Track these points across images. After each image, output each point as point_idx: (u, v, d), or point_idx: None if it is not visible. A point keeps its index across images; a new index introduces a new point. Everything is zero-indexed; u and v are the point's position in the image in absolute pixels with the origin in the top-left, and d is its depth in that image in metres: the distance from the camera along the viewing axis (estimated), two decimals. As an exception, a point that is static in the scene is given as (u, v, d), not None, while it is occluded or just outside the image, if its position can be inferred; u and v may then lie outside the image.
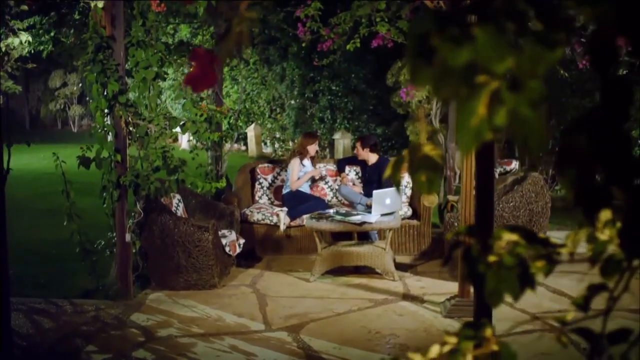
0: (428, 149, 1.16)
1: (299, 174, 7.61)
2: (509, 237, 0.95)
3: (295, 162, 7.61)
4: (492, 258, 0.96)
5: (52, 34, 11.04)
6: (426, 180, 1.15)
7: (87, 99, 24.35)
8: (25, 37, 5.03)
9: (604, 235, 0.99)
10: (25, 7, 5.09)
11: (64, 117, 27.03)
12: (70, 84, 25.56)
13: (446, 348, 0.98)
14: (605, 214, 1.01)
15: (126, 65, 5.96)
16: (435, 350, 1.01)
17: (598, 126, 0.76)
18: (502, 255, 0.94)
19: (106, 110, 5.80)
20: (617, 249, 0.97)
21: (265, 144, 17.35)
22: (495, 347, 0.94)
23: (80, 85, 25.56)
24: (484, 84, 0.73)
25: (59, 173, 5.95)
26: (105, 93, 5.67)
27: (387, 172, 1.24)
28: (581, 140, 0.76)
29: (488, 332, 0.93)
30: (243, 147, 18.22)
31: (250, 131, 16.95)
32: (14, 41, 5.04)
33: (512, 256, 0.93)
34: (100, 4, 5.07)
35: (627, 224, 0.77)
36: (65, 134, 24.67)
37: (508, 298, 1.00)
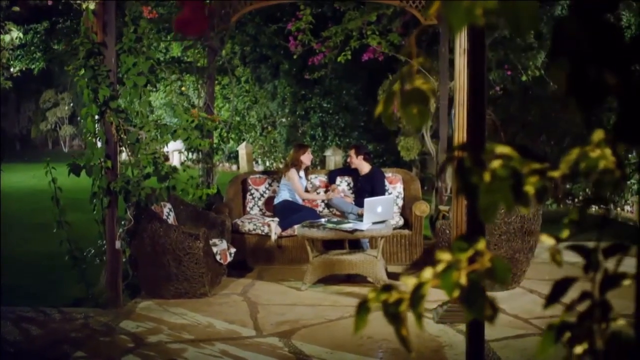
0: (419, 82, 1.15)
1: (302, 182, 7.72)
2: (502, 150, 0.94)
3: (294, 173, 7.62)
4: (486, 177, 0.95)
5: (43, 50, 11.06)
6: (417, 113, 1.14)
7: (78, 118, 24.31)
8: (16, 34, 5.02)
9: (595, 153, 0.98)
10: (16, 8, 5.08)
11: (54, 137, 26.95)
12: (61, 103, 25.52)
13: (440, 267, 0.96)
14: (598, 134, 1.01)
15: (118, 73, 5.96)
16: (428, 272, 1.00)
17: (590, 12, 0.76)
18: (495, 169, 0.93)
19: (97, 117, 5.79)
20: (611, 165, 0.97)
21: (257, 162, 17.33)
22: (488, 263, 0.93)
23: (72, 104, 25.52)
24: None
25: (49, 190, 5.89)
26: (96, 99, 5.66)
27: (379, 109, 1.23)
28: (573, 26, 0.76)
29: (482, 244, 0.92)
30: (234, 167, 18.19)
31: (242, 149, 16.93)
32: (4, 38, 5.04)
33: (505, 168, 0.92)
34: (92, 5, 5.07)
35: (622, 110, 0.77)
36: (56, 154, 24.57)
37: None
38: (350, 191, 8.00)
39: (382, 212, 6.70)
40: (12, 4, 4.92)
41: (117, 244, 5.95)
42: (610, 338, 0.92)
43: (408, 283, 1.00)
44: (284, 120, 15.96)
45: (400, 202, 7.87)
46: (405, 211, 7.72)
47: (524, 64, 10.00)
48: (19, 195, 13.72)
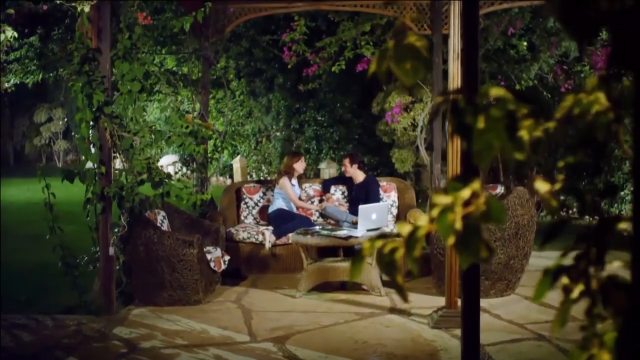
0: (413, 38, 1.16)
1: (295, 190, 7.72)
2: (496, 92, 0.95)
3: (286, 181, 7.62)
4: (480, 119, 0.95)
5: (38, 59, 11.05)
6: (411, 68, 1.14)
7: (72, 133, 24.26)
8: (10, 32, 5.02)
9: (588, 98, 0.99)
10: (11, 11, 5.08)
11: (48, 152, 26.90)
12: (55, 118, 25.49)
13: (436, 210, 0.96)
14: (592, 80, 1.01)
15: (112, 79, 5.96)
16: (424, 218, 0.99)
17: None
18: (490, 110, 0.93)
19: (91, 122, 5.78)
20: (604, 108, 0.97)
21: (251, 175, 17.32)
22: (483, 206, 0.92)
23: (65, 119, 25.49)
24: None
25: (43, 200, 5.85)
26: (90, 104, 5.65)
27: (372, 68, 1.23)
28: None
29: (476, 185, 0.92)
30: (229, 181, 18.17)
31: (236, 163, 16.94)
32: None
33: (499, 109, 0.92)
34: (87, 8, 5.08)
35: (615, 37, 0.77)
36: (49, 169, 24.44)
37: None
38: (345, 200, 8.00)
39: (376, 219, 6.70)
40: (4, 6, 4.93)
41: (111, 251, 5.92)
42: (606, 280, 0.92)
43: (403, 229, 0.99)
44: (278, 134, 15.99)
45: (394, 211, 7.87)
46: (399, 220, 7.71)
47: (517, 75, 10.06)
48: (13, 208, 13.71)
